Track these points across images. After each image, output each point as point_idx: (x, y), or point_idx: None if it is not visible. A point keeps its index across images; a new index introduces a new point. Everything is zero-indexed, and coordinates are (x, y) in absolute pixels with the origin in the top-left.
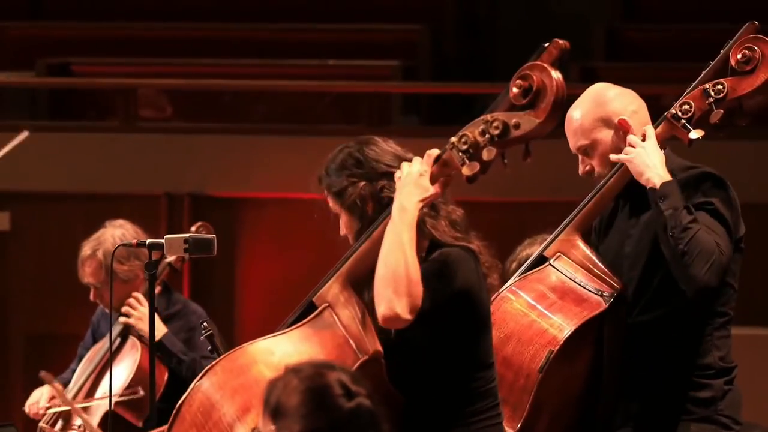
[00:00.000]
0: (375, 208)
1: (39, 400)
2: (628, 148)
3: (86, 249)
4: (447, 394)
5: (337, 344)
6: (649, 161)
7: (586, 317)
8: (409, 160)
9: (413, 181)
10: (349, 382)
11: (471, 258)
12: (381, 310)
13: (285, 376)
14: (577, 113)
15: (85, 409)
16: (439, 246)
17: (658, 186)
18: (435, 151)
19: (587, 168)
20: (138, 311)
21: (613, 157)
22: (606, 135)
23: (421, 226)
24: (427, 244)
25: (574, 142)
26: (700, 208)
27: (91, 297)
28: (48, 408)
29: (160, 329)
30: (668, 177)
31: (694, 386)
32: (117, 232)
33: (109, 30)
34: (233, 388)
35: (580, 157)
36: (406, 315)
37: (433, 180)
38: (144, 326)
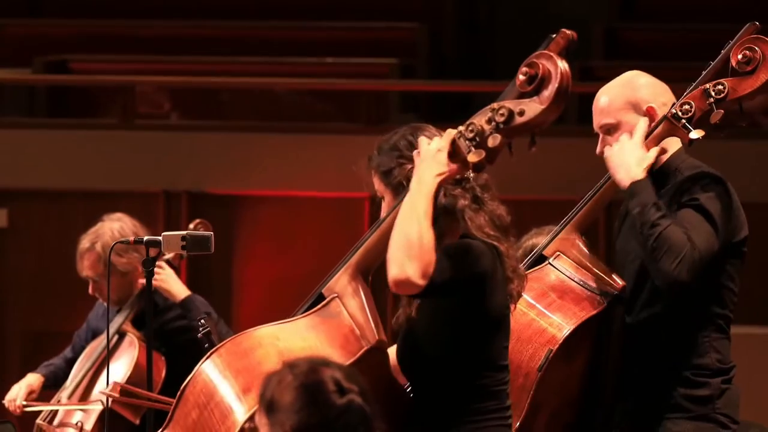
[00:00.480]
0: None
1: (17, 396)
2: (614, 144)
3: (84, 242)
4: (454, 389)
5: (342, 333)
6: (621, 160)
7: (585, 316)
8: None
9: (431, 156)
10: (342, 379)
11: (492, 254)
12: (392, 272)
13: (281, 372)
14: (607, 93)
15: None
16: (468, 238)
17: (627, 185)
18: (454, 131)
19: (605, 148)
20: (161, 274)
21: (606, 155)
22: (631, 119)
23: (459, 216)
24: (460, 234)
25: (598, 120)
26: (685, 205)
27: (90, 290)
28: (26, 406)
29: (184, 290)
30: (640, 176)
31: (691, 384)
32: (115, 225)
33: (107, 27)
34: (236, 370)
35: (600, 136)
36: (418, 279)
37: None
38: (167, 287)
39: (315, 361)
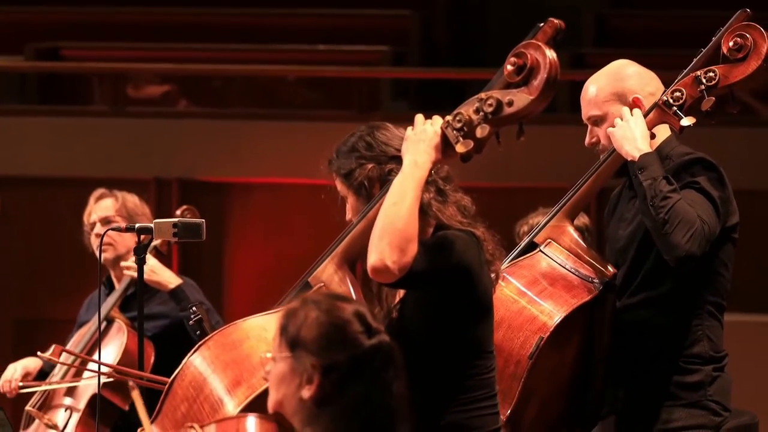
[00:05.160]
0: (381, 191)
1: (12, 377)
2: (616, 120)
3: (102, 190)
4: (444, 379)
5: None
6: (629, 134)
7: (576, 304)
8: None
9: (430, 138)
10: (369, 319)
11: (473, 241)
12: (371, 259)
13: (304, 307)
14: (595, 83)
15: (71, 390)
16: (444, 229)
17: (636, 158)
18: (442, 120)
19: (593, 139)
20: (146, 264)
21: (609, 130)
22: (617, 110)
23: (426, 209)
24: (434, 226)
25: (586, 111)
26: (686, 187)
27: (99, 231)
28: (22, 387)
29: (175, 279)
30: (647, 149)
31: (682, 371)
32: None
33: (98, 15)
34: (225, 363)
35: (588, 126)
36: (396, 270)
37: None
38: (156, 278)
39: (337, 297)
